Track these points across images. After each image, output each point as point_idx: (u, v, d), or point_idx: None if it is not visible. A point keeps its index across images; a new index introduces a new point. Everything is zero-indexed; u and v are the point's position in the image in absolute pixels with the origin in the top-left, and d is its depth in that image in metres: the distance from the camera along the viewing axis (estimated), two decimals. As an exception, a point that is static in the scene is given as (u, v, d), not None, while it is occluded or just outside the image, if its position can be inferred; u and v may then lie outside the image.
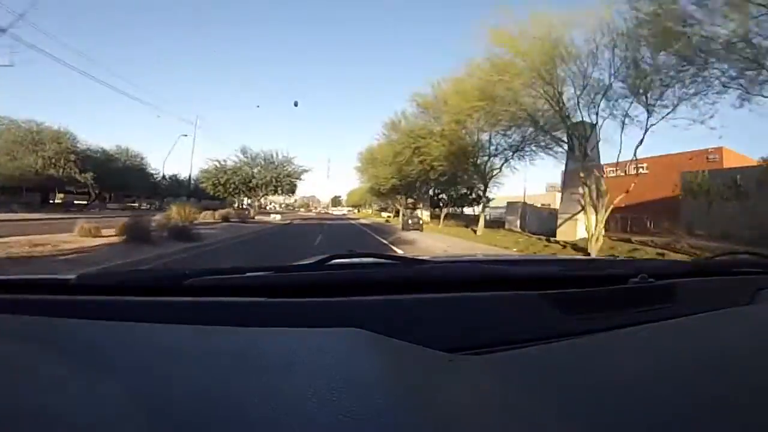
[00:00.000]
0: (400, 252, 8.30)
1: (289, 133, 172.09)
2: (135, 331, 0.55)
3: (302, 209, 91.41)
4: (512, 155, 18.90)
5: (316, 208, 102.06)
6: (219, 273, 0.73)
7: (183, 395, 0.39)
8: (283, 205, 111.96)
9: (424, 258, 1.03)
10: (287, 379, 0.41)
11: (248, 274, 0.73)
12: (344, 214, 66.57)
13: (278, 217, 31.11)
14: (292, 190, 33.72)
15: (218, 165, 31.14)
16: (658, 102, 10.25)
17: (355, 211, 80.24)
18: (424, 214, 32.41)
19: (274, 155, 31.79)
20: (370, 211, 69.10)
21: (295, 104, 61.49)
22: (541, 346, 0.58)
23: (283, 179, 31.29)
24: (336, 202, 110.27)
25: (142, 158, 43.00)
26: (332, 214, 70.49)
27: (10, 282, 0.82)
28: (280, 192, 32.50)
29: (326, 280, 0.74)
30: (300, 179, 32.24)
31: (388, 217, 43.50)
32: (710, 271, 1.04)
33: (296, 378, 0.42)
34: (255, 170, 31.49)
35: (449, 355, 0.51)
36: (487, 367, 0.49)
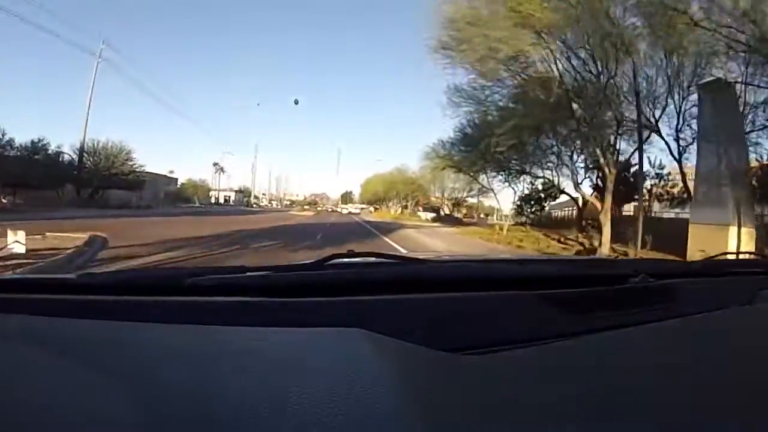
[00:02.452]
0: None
1: (294, 130, 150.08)
2: (135, 330, 0.55)
3: (307, 207, 72.91)
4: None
5: (324, 205, 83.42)
6: (220, 272, 0.74)
7: (183, 395, 0.39)
8: (287, 202, 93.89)
9: (424, 257, 1.01)
10: (288, 379, 0.42)
11: (249, 273, 0.73)
12: (357, 214, 45.62)
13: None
14: None
15: None
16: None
17: (371, 209, 57.62)
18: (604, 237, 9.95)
19: None
20: (399, 209, 46.25)
21: (296, 102, 52.10)
22: (542, 346, 0.58)
23: None
24: (347, 198, 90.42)
25: None
26: (340, 212, 50.06)
27: (9, 281, 0.81)
28: None
29: (327, 279, 0.74)
30: None
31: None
32: (710, 271, 1.06)
33: (297, 378, 0.42)
34: None
35: (450, 354, 0.51)
36: (487, 367, 0.49)
